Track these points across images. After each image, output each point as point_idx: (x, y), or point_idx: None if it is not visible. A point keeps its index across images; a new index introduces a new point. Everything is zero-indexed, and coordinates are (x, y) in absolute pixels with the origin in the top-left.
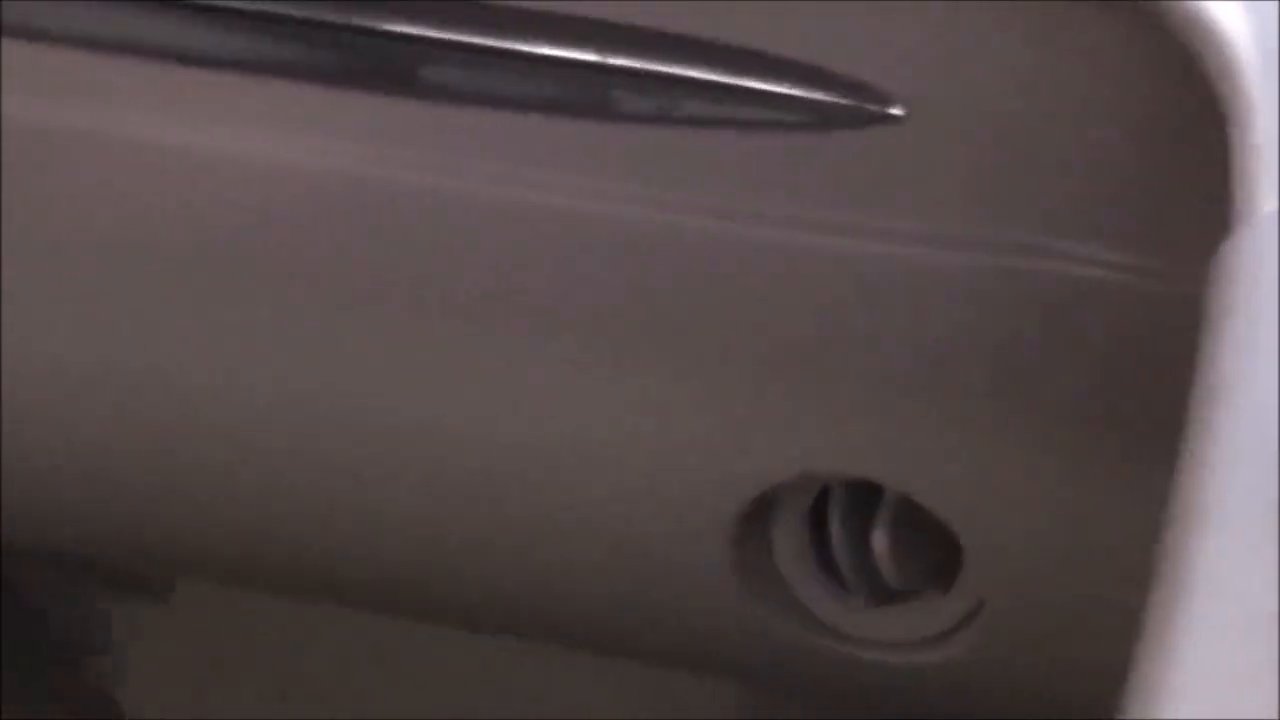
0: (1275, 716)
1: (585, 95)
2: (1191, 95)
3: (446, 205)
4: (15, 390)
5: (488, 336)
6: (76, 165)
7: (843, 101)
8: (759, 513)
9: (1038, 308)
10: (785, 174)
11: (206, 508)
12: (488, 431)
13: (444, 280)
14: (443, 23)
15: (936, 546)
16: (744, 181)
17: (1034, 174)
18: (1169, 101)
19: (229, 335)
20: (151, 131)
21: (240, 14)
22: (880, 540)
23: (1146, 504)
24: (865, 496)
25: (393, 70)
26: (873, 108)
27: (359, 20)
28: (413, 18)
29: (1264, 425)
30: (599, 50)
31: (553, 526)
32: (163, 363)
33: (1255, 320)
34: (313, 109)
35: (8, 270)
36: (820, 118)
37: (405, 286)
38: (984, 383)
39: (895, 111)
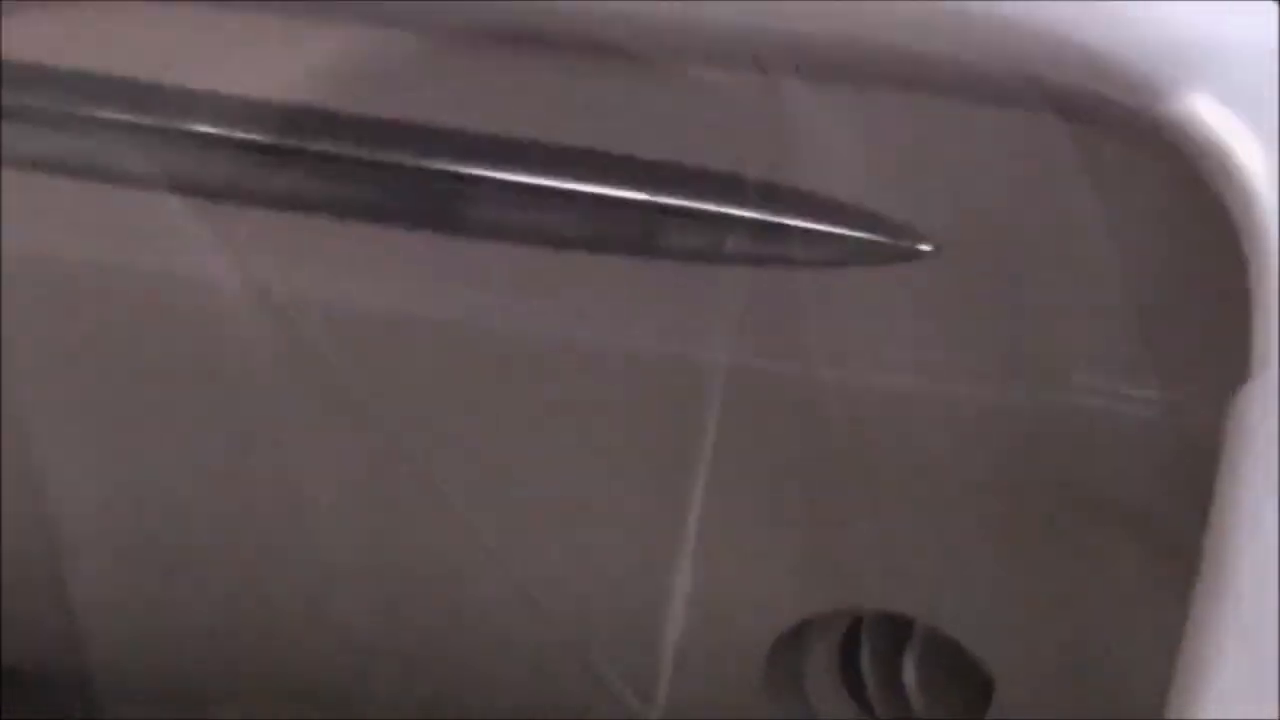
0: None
1: (630, 231)
2: (1217, 237)
3: (485, 340)
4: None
5: (525, 467)
6: (130, 301)
7: (874, 238)
8: (792, 640)
9: (1066, 443)
10: (816, 309)
11: (245, 629)
12: (522, 556)
13: (483, 412)
14: (487, 160)
15: (967, 679)
16: (778, 317)
17: (1058, 310)
18: (1195, 241)
19: (269, 465)
20: (197, 268)
21: (281, 151)
22: (910, 672)
23: (1173, 639)
24: (897, 628)
25: (437, 207)
26: (903, 244)
27: (407, 158)
28: (457, 155)
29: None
30: (644, 189)
31: (588, 644)
32: (199, 489)
33: (1271, 470)
34: (358, 245)
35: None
36: (853, 254)
37: (441, 418)
38: (1014, 518)
39: (924, 248)
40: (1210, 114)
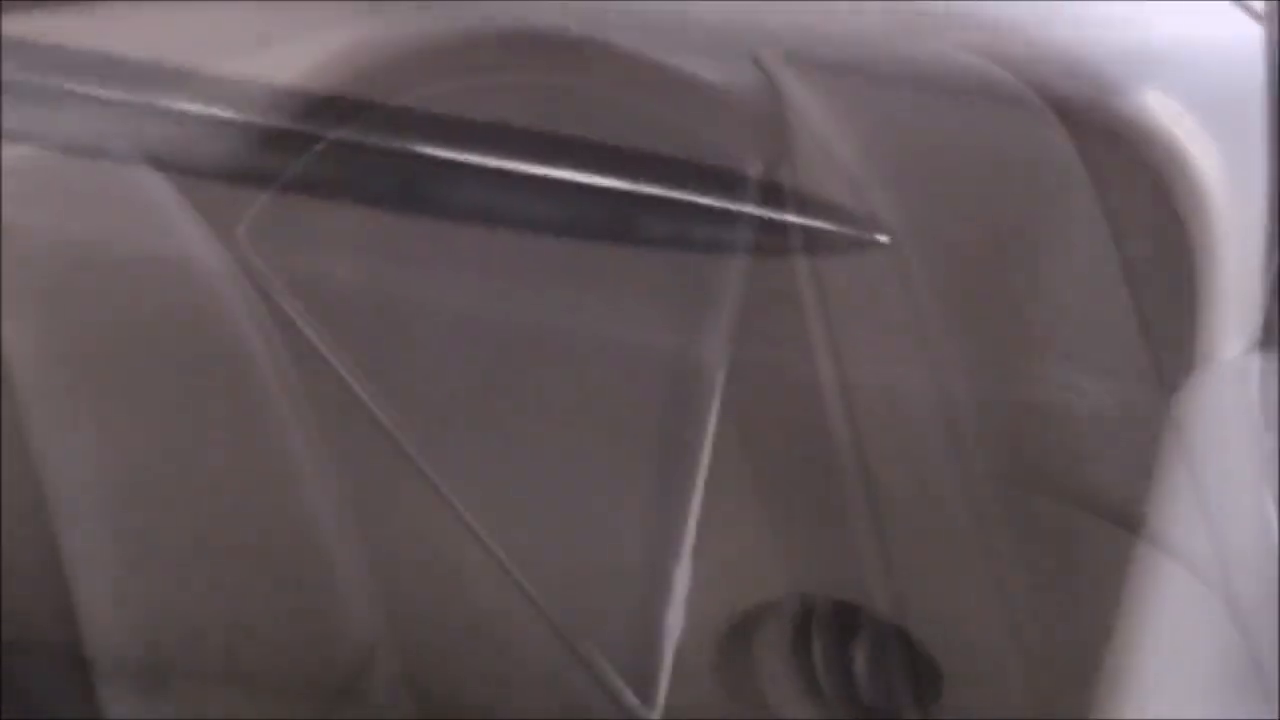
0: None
1: (605, 219)
2: (1166, 231)
3: (462, 323)
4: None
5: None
6: (128, 287)
7: (831, 227)
8: (744, 626)
9: (1016, 435)
10: (775, 296)
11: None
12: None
13: (452, 396)
14: (470, 146)
15: (918, 669)
16: (738, 304)
17: (1013, 303)
18: (1145, 235)
19: (267, 460)
20: (195, 254)
21: (267, 131)
22: (860, 660)
23: (1120, 633)
24: (849, 616)
25: (418, 190)
26: (861, 234)
27: (390, 141)
28: (439, 140)
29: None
30: (620, 176)
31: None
32: (196, 482)
33: (1214, 463)
34: (338, 225)
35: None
36: (810, 242)
37: (416, 404)
38: (967, 509)
39: (881, 238)
40: (1165, 111)
